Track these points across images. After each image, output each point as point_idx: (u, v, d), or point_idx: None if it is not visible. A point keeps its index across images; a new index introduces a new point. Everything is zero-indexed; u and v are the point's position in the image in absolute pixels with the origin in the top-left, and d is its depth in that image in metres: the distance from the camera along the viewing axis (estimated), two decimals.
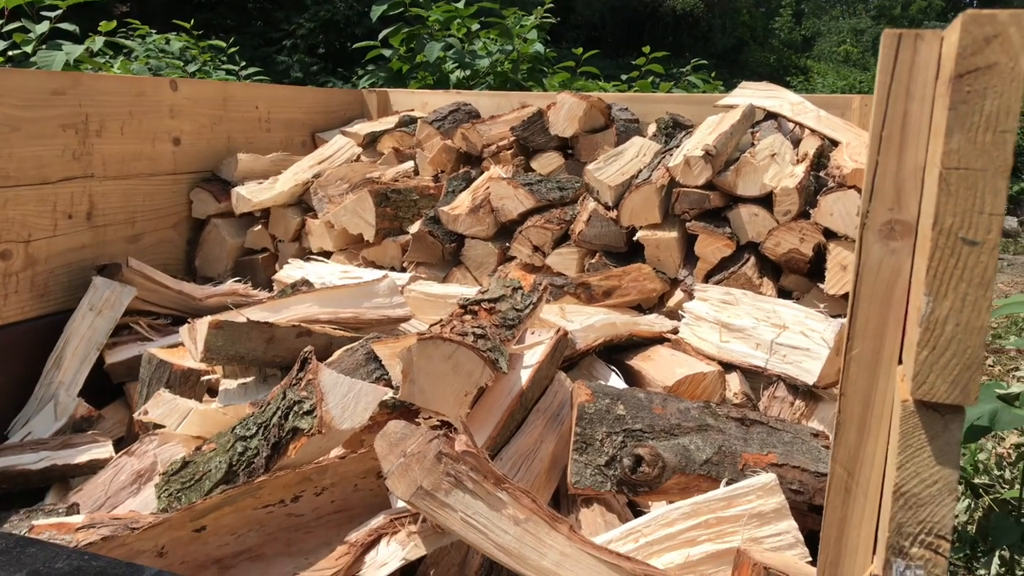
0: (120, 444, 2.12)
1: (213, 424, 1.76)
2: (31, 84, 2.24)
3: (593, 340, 1.95)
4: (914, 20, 31.68)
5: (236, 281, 2.65)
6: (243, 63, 6.27)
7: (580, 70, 6.13)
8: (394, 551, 1.28)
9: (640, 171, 2.46)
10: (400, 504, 1.40)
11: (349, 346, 2.03)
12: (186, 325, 1.93)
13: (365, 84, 5.30)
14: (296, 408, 1.41)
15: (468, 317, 1.65)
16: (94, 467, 2.01)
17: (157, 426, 2.04)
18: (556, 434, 1.68)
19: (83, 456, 2.01)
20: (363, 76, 5.50)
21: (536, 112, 2.92)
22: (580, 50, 5.94)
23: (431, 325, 1.60)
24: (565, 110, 2.83)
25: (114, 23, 3.91)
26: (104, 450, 2.04)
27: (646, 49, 6.20)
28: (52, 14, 3.92)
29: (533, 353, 1.71)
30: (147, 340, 2.41)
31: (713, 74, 6.84)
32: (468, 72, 5.42)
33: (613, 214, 2.39)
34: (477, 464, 1.18)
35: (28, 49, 3.77)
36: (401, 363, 1.53)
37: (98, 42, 3.72)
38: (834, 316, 1.88)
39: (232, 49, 6.29)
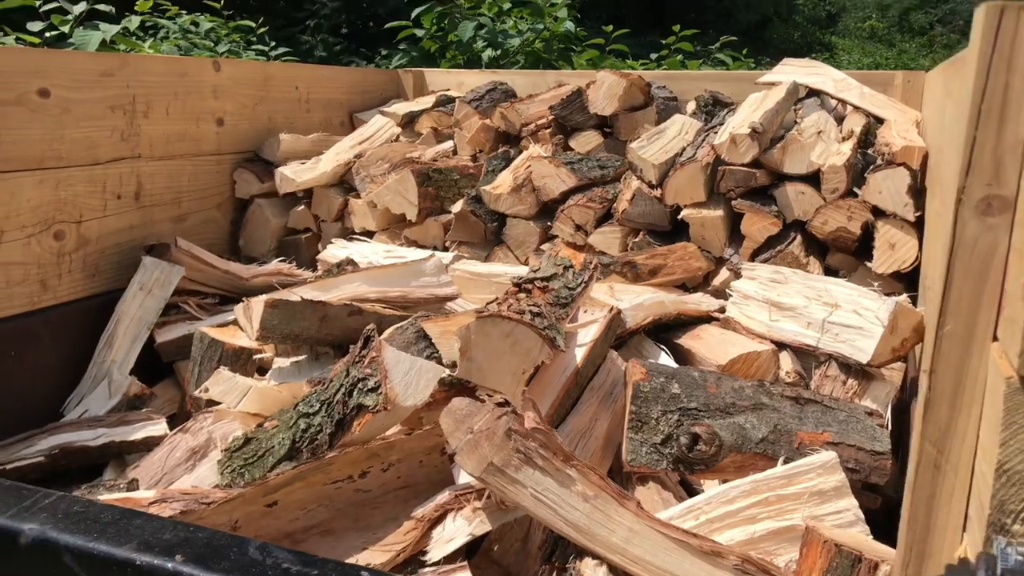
0: (171, 421, 2.16)
1: (271, 402, 1.78)
2: (81, 65, 2.26)
3: (642, 319, 1.95)
4: None
5: (281, 261, 2.67)
6: (272, 43, 6.29)
7: (609, 48, 6.09)
8: (460, 526, 1.30)
9: (684, 149, 2.45)
10: (464, 480, 1.42)
11: (399, 325, 2.04)
12: (240, 304, 1.96)
13: (397, 64, 5.30)
14: (361, 385, 1.43)
15: (523, 295, 1.66)
16: (149, 444, 2.04)
17: (210, 404, 2.08)
18: (610, 412, 1.70)
19: (139, 433, 2.05)
20: (395, 56, 5.49)
21: (575, 91, 2.90)
22: (610, 28, 5.91)
23: (487, 303, 1.61)
24: (605, 88, 2.82)
25: (151, 1, 3.93)
26: (159, 427, 2.07)
27: (676, 28, 6.15)
28: None
29: (587, 332, 1.72)
30: (196, 319, 2.44)
31: (745, 51, 6.78)
32: (499, 51, 5.41)
33: (657, 192, 2.38)
34: (547, 440, 1.19)
35: (65, 30, 3.80)
36: (459, 341, 1.54)
37: (135, 22, 3.74)
38: (887, 295, 1.87)
39: (261, 30, 6.30)
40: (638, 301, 1.98)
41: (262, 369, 2.20)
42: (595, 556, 1.19)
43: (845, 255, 2.28)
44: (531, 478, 1.19)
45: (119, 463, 2.06)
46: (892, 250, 2.15)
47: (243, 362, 2.17)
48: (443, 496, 1.34)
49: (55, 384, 2.22)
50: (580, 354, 1.66)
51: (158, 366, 2.37)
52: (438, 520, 1.31)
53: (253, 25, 6.21)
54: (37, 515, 0.80)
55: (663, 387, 1.64)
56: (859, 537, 1.22)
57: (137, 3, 3.89)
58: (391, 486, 1.36)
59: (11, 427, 2.01)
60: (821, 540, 1.16)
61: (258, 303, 1.85)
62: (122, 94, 2.38)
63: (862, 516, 1.39)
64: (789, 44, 25.90)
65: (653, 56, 6.40)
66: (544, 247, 2.57)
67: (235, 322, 2.38)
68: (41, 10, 3.84)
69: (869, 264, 2.20)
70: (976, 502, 0.78)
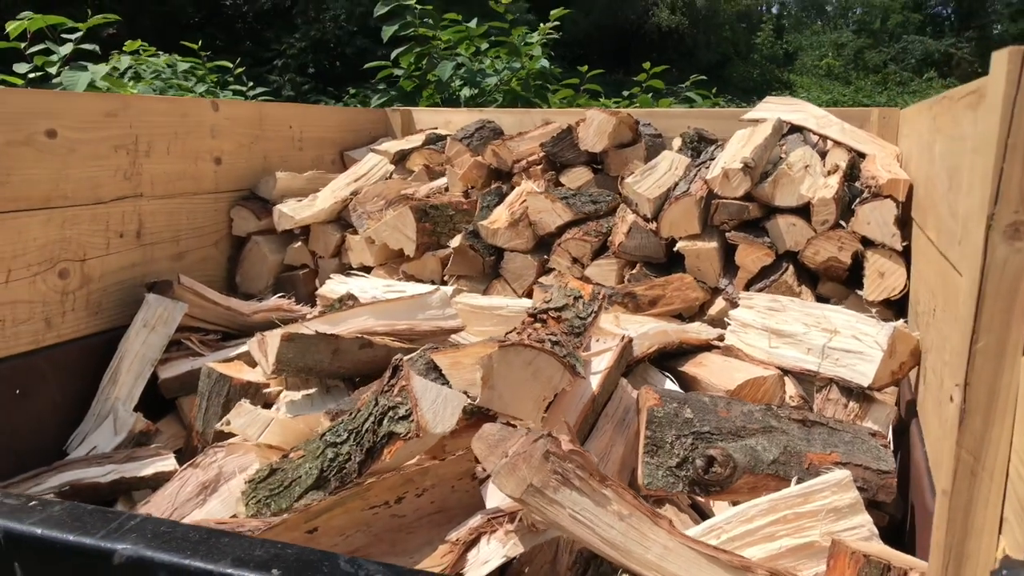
0: (177, 457, 2.16)
1: (292, 434, 1.81)
2: (86, 106, 2.29)
3: (648, 347, 2.01)
4: (893, 34, 32.16)
5: (280, 297, 2.70)
6: (250, 83, 6.34)
7: (583, 87, 6.23)
8: (495, 549, 1.34)
9: (677, 184, 2.54)
10: (494, 504, 1.46)
11: (408, 356, 2.09)
12: (254, 339, 1.98)
13: (377, 104, 5.37)
14: (391, 413, 1.47)
15: (539, 325, 1.71)
16: (159, 479, 2.05)
17: (218, 439, 2.09)
18: (624, 438, 1.74)
19: (148, 469, 2.05)
20: (372, 95, 5.56)
21: (565, 128, 2.99)
22: (585, 67, 6.04)
23: (506, 333, 1.66)
24: (595, 126, 2.90)
25: (139, 42, 3.96)
26: (168, 463, 2.08)
27: (646, 65, 6.30)
28: (73, 36, 3.98)
29: (600, 359, 1.78)
30: (198, 355, 2.45)
31: (714, 89, 6.96)
32: (476, 90, 5.50)
33: (653, 226, 2.46)
34: (583, 462, 1.24)
35: (52, 71, 3.82)
36: (480, 370, 1.59)
37: (124, 62, 3.77)
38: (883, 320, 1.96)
39: (239, 70, 6.34)
40: (643, 330, 2.04)
41: (268, 404, 2.22)
42: (631, 573, 1.23)
43: (836, 284, 2.37)
44: (568, 498, 1.23)
45: (128, 499, 2.06)
46: (882, 278, 2.24)
47: (251, 396, 2.18)
48: (476, 520, 1.38)
49: (59, 421, 2.22)
50: (595, 381, 1.71)
51: (159, 403, 2.38)
52: (472, 543, 1.35)
53: (231, 65, 6.25)
54: (127, 535, 0.82)
55: (676, 412, 1.69)
56: (884, 548, 1.27)
57: (125, 44, 3.92)
58: (425, 511, 1.39)
59: (16, 465, 2.01)
60: (848, 552, 1.21)
61: (274, 337, 1.88)
62: (125, 134, 2.41)
63: (876, 532, 1.45)
64: (749, 83, 26.56)
65: (625, 94, 6.55)
66: (543, 280, 2.63)
67: (239, 357, 2.40)
68: (27, 52, 3.86)
69: (860, 292, 2.29)
70: (1014, 504, 0.84)
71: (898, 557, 1.20)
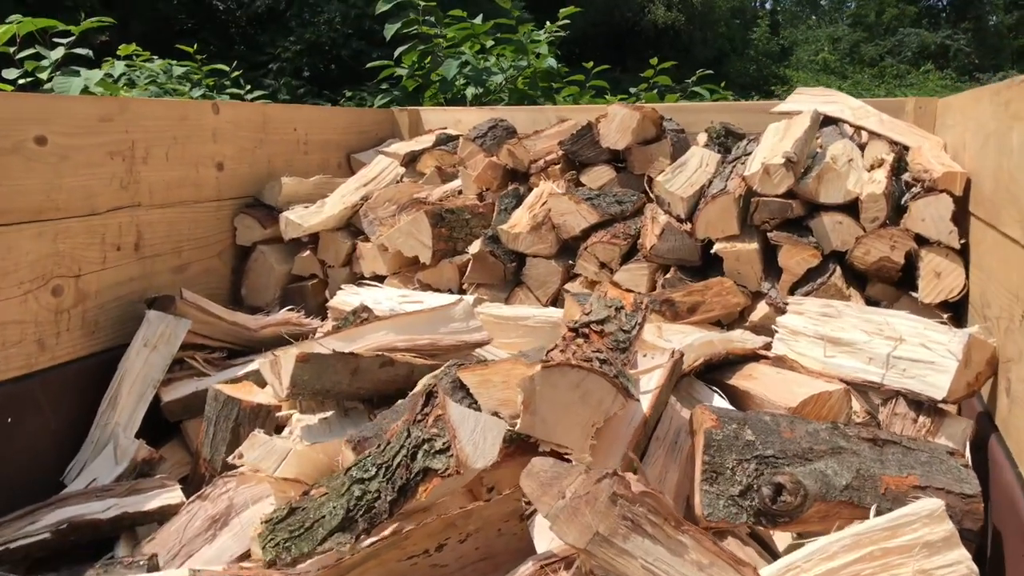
0: (182, 486, 2.01)
1: (311, 465, 1.65)
2: (79, 111, 2.13)
3: (693, 360, 1.85)
4: (888, 27, 32.03)
5: (289, 310, 2.54)
6: (248, 87, 6.17)
7: (589, 84, 6.07)
8: None
9: (711, 181, 2.38)
10: (544, 547, 1.30)
11: (432, 374, 1.93)
12: (266, 359, 1.82)
13: (380, 104, 5.21)
14: (426, 447, 1.31)
15: (581, 341, 1.55)
16: (165, 513, 1.90)
17: (229, 465, 1.93)
18: (678, 464, 1.59)
19: (153, 503, 1.90)
20: (375, 96, 5.40)
21: (585, 125, 2.83)
22: (590, 64, 5.89)
23: (548, 351, 1.50)
24: (617, 122, 2.74)
25: (133, 46, 3.80)
26: (174, 495, 1.93)
27: (653, 61, 6.15)
28: (65, 40, 3.81)
29: (650, 378, 1.62)
30: (203, 375, 2.29)
31: (723, 83, 6.80)
32: (481, 89, 5.34)
33: (687, 227, 2.30)
34: (657, 505, 1.08)
35: (43, 76, 3.65)
36: (522, 393, 1.43)
37: (119, 67, 3.61)
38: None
39: (235, 73, 6.18)
40: (687, 341, 1.88)
41: (279, 427, 2.07)
42: None
43: (886, 286, 2.21)
44: (640, 547, 1.07)
45: (131, 536, 1.90)
46: (938, 279, 2.08)
47: (262, 420, 2.03)
48: (526, 567, 1.22)
49: (55, 451, 2.06)
50: (645, 402, 1.55)
51: (162, 427, 2.22)
52: None
53: (227, 68, 6.09)
54: None
55: (736, 434, 1.53)
56: None
57: (119, 48, 3.75)
58: (469, 559, 1.23)
59: (10, 500, 1.85)
60: None
61: (288, 358, 1.72)
62: (121, 139, 2.25)
63: (975, 569, 1.29)
64: (746, 78, 26.43)
65: (632, 91, 6.39)
66: (569, 286, 2.47)
67: (248, 377, 2.24)
68: (17, 57, 3.69)
69: (914, 294, 2.13)
70: None
71: None
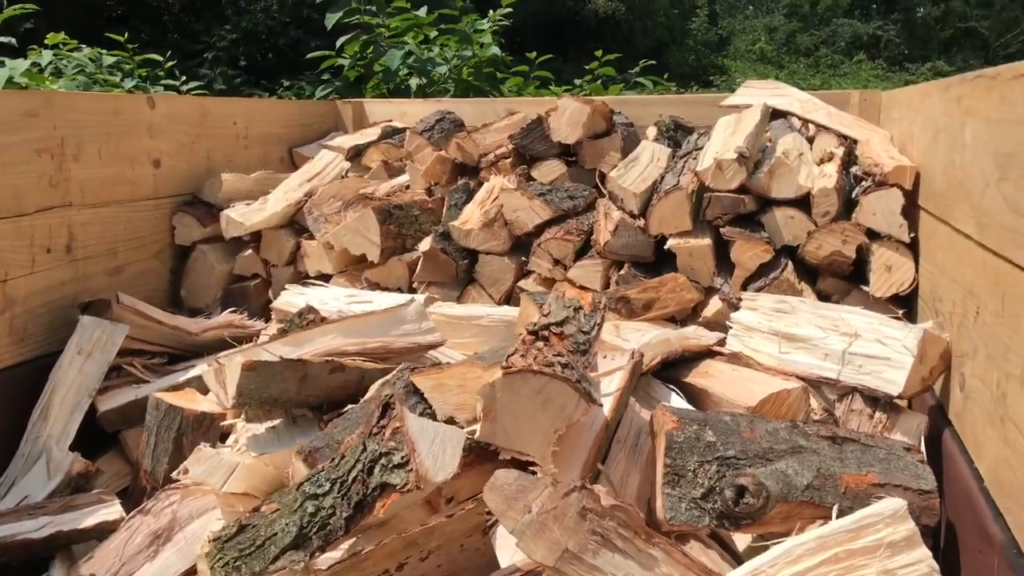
0: (121, 499, 1.92)
1: (260, 479, 1.58)
2: (2, 105, 2.01)
3: (651, 359, 1.83)
4: (822, 17, 32.62)
5: (232, 312, 2.45)
6: (183, 77, 5.98)
7: (534, 74, 6.03)
8: None
9: (664, 176, 2.36)
10: (507, 559, 1.26)
11: (383, 380, 1.87)
12: (211, 368, 1.75)
13: (321, 95, 5.09)
14: (384, 461, 1.25)
15: (541, 344, 1.51)
16: (103, 530, 1.81)
17: (169, 479, 1.85)
18: (639, 467, 1.56)
19: (90, 519, 1.81)
20: (319, 87, 5.28)
21: (535, 119, 2.79)
22: (534, 54, 5.84)
23: (508, 356, 1.45)
24: (568, 115, 2.71)
25: (61, 35, 3.63)
26: (113, 510, 1.84)
27: (598, 53, 6.14)
28: None
29: (610, 380, 1.59)
30: (142, 382, 2.20)
31: (666, 75, 6.83)
32: (425, 80, 5.26)
33: (640, 222, 2.28)
34: (627, 519, 1.04)
35: None
36: (481, 400, 1.38)
37: (46, 56, 3.44)
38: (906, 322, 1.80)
39: (169, 63, 5.98)
40: (645, 340, 1.85)
41: (224, 436, 1.99)
42: None
43: (837, 280, 2.22)
44: (611, 562, 1.04)
45: (67, 555, 1.81)
46: (889, 272, 2.09)
47: (205, 429, 1.95)
48: None
49: None
50: (607, 406, 1.52)
51: (99, 437, 2.12)
52: None
53: (160, 59, 5.89)
54: None
55: (697, 435, 1.51)
56: None
57: (47, 37, 3.58)
58: None
59: None
60: None
61: (233, 366, 1.65)
62: (49, 136, 2.13)
63: (936, 567, 1.28)
64: (685, 68, 26.65)
65: (577, 82, 6.37)
66: (523, 283, 2.43)
67: (189, 383, 2.16)
68: None
69: (865, 288, 2.14)
70: None
71: None
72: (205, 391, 2.09)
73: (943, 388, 1.75)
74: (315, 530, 1.32)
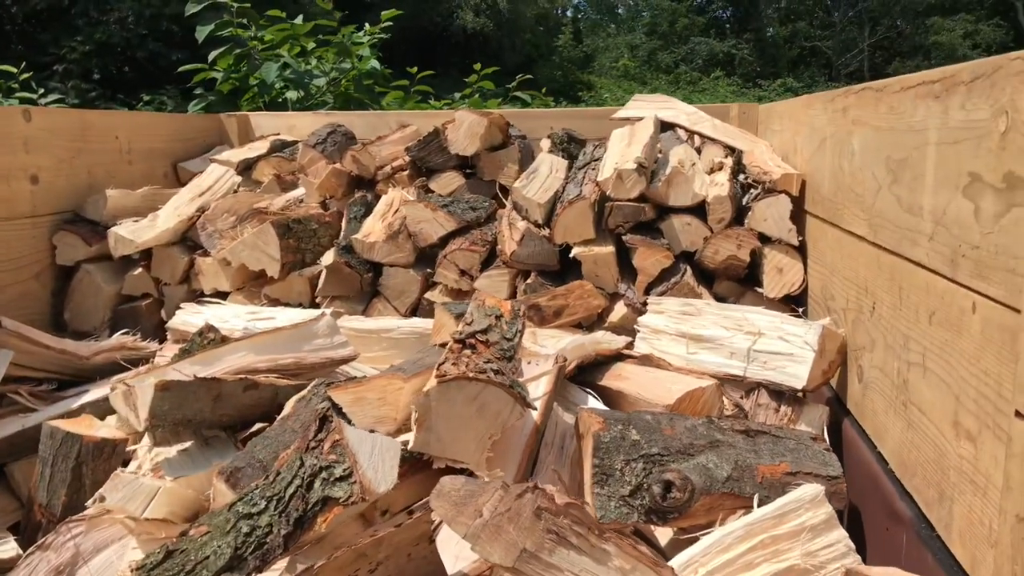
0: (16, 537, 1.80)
1: (180, 503, 1.51)
2: None
3: (569, 363, 1.86)
4: (681, 36, 34.03)
5: (123, 334, 2.33)
6: (41, 90, 5.65)
7: (414, 88, 6.03)
8: None
9: (566, 187, 2.41)
10: (454, 567, 1.26)
11: (300, 396, 1.83)
12: (117, 390, 1.66)
13: (195, 109, 4.92)
14: (325, 475, 1.23)
15: (469, 352, 1.52)
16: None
17: (66, 512, 1.75)
18: (567, 469, 1.59)
19: None
20: (193, 101, 5.09)
21: (432, 131, 2.79)
22: (415, 68, 5.85)
23: (439, 364, 1.45)
24: (465, 128, 2.73)
25: None
26: (7, 547, 1.74)
27: (476, 67, 6.21)
28: None
29: (537, 385, 1.61)
30: (30, 411, 2.06)
31: (544, 90, 6.96)
32: (303, 92, 5.17)
33: (545, 232, 2.32)
34: (581, 516, 1.07)
35: None
36: (416, 410, 1.38)
37: None
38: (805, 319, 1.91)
39: (25, 75, 5.65)
40: (561, 345, 1.89)
41: (125, 462, 1.89)
42: None
43: (732, 283, 2.33)
44: (566, 559, 1.06)
45: None
46: (780, 274, 2.21)
47: (107, 456, 1.85)
48: None
49: None
50: (536, 411, 1.54)
51: None
52: None
53: (14, 71, 5.55)
54: None
55: (622, 434, 1.55)
56: (897, 572, 1.19)
57: None
58: None
59: None
60: None
61: (145, 388, 1.57)
62: None
63: (852, 546, 1.37)
64: (554, 83, 27.21)
65: (457, 95, 6.41)
66: (429, 295, 2.43)
67: (83, 409, 2.04)
68: None
69: (759, 290, 2.26)
70: None
71: None
72: (102, 417, 1.99)
73: (839, 380, 1.86)
74: (251, 550, 1.28)
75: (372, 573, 1.16)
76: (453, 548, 1.30)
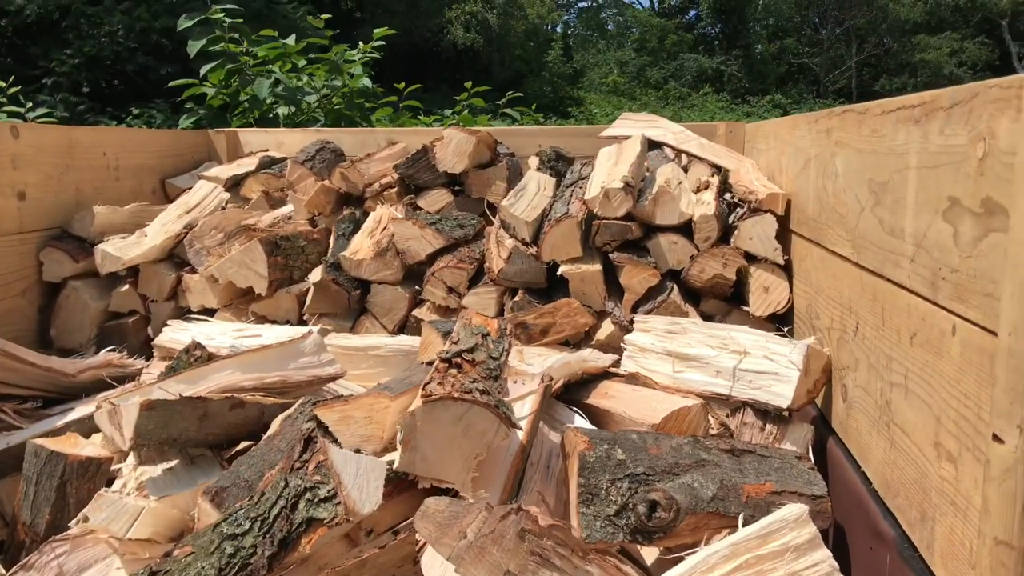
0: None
1: (164, 523, 1.51)
2: None
3: (556, 382, 1.87)
4: (670, 53, 34.25)
5: (110, 351, 2.32)
6: (29, 104, 5.65)
7: (403, 104, 6.05)
8: None
9: (553, 205, 2.43)
10: None
11: (286, 414, 1.83)
12: (102, 409, 1.66)
13: (185, 124, 4.92)
14: (309, 496, 1.23)
15: (455, 372, 1.52)
16: None
17: (52, 531, 1.74)
18: (552, 488, 1.59)
19: None
20: (183, 116, 5.10)
21: (421, 149, 2.81)
22: (403, 84, 5.87)
23: (425, 384, 1.46)
24: (453, 145, 2.74)
25: None
26: None
27: (468, 84, 6.25)
28: None
29: (523, 405, 1.61)
30: (14, 429, 2.05)
31: (534, 106, 6.99)
32: (294, 108, 5.18)
33: (533, 250, 2.33)
34: (564, 537, 1.07)
35: None
36: (402, 430, 1.38)
37: None
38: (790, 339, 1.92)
39: (12, 89, 5.64)
40: (547, 364, 1.89)
41: (109, 481, 1.88)
42: None
43: (718, 301, 2.34)
44: None
45: None
46: (766, 293, 2.23)
47: (91, 475, 1.84)
48: None
49: None
50: (522, 430, 1.54)
51: None
52: None
53: (3, 85, 5.55)
54: None
55: (608, 454, 1.56)
56: None
57: None
58: None
59: None
60: None
61: (130, 407, 1.57)
62: None
63: (836, 566, 1.37)
64: (544, 99, 27.32)
65: (448, 112, 6.43)
66: (417, 312, 2.43)
67: (68, 427, 2.03)
68: None
69: (745, 308, 2.27)
70: None
71: None
72: (87, 435, 1.98)
73: (824, 399, 1.88)
74: (235, 571, 1.27)
75: None
76: (438, 570, 1.30)
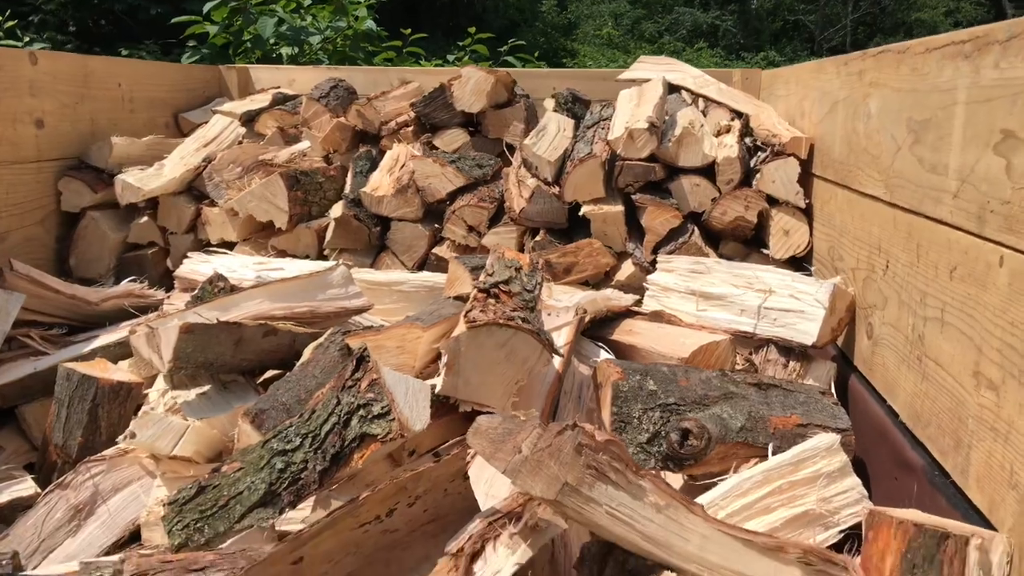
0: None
1: (206, 443, 1.53)
2: None
3: (587, 316, 1.89)
4: (665, 6, 33.86)
5: (131, 281, 2.33)
6: (27, 38, 5.55)
7: (406, 50, 5.99)
8: (504, 556, 1.17)
9: (576, 146, 2.43)
10: (489, 505, 1.29)
11: (317, 343, 1.85)
12: (140, 332, 1.67)
13: (188, 61, 4.85)
14: (362, 412, 1.25)
15: (492, 301, 1.54)
16: (15, 507, 1.71)
17: (84, 452, 1.76)
18: (585, 417, 1.62)
19: (2, 496, 1.70)
20: (185, 53, 5.02)
21: (438, 87, 2.79)
22: (408, 30, 5.80)
23: (467, 311, 1.48)
24: (472, 85, 2.73)
25: None
26: (25, 486, 1.75)
27: (472, 29, 6.19)
28: None
29: (559, 335, 1.64)
30: (41, 354, 2.06)
31: (536, 53, 6.93)
32: (297, 49, 5.12)
33: (555, 190, 2.34)
34: (620, 452, 1.10)
35: None
36: (446, 354, 1.41)
37: None
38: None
39: (10, 23, 5.54)
40: (575, 300, 1.92)
41: (137, 408, 1.91)
42: (673, 569, 1.12)
43: (738, 244, 2.37)
44: (605, 494, 1.09)
45: None
46: (787, 236, 2.25)
47: (122, 399, 1.86)
48: (475, 525, 1.20)
49: None
50: (558, 360, 1.57)
51: None
52: (477, 553, 1.18)
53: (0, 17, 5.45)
54: None
55: (640, 385, 1.59)
56: (922, 514, 1.24)
57: None
58: (418, 521, 1.20)
59: None
60: (894, 522, 1.16)
61: (169, 329, 1.58)
62: None
63: (866, 493, 1.42)
64: (538, 49, 27.01)
65: (450, 58, 6.37)
66: (437, 250, 2.45)
67: (95, 353, 2.05)
68: None
69: (765, 251, 2.30)
70: None
71: (953, 525, 1.16)
72: (114, 361, 2.00)
73: (845, 338, 1.91)
74: (285, 486, 1.30)
75: (411, 507, 1.19)
76: (483, 487, 1.33)
